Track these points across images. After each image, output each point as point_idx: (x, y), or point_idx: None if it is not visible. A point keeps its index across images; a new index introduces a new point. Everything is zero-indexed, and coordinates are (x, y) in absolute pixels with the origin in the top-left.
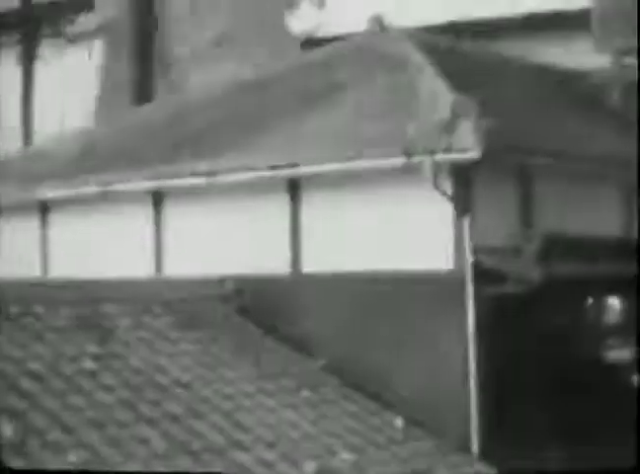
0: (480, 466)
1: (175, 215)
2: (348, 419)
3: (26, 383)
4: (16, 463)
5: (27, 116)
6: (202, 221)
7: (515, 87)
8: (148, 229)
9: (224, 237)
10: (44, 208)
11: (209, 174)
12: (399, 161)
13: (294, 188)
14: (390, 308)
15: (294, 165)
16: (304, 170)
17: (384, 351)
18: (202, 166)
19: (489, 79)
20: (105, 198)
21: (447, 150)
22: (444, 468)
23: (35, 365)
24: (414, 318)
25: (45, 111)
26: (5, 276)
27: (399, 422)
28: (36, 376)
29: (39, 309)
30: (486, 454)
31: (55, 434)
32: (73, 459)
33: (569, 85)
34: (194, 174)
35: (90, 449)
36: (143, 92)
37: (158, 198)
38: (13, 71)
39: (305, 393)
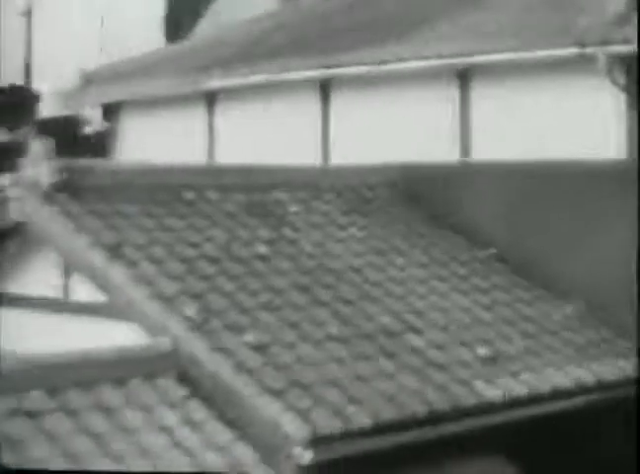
0: None
1: (342, 104)
2: (519, 305)
3: (204, 266)
4: (201, 343)
5: None
6: (370, 110)
7: None
8: (315, 118)
9: (392, 126)
10: (212, 97)
11: (378, 63)
12: (572, 51)
13: (464, 78)
14: (560, 197)
15: (465, 54)
16: (475, 59)
17: (553, 239)
18: (370, 55)
19: None
20: (272, 87)
21: (624, 41)
22: (615, 356)
23: (211, 249)
24: (584, 207)
25: None
26: (176, 163)
27: (570, 309)
28: (212, 259)
29: (212, 195)
30: None
31: (233, 316)
32: (250, 339)
33: None
34: (362, 62)
35: (266, 330)
36: None
37: (325, 87)
38: None
39: (476, 280)
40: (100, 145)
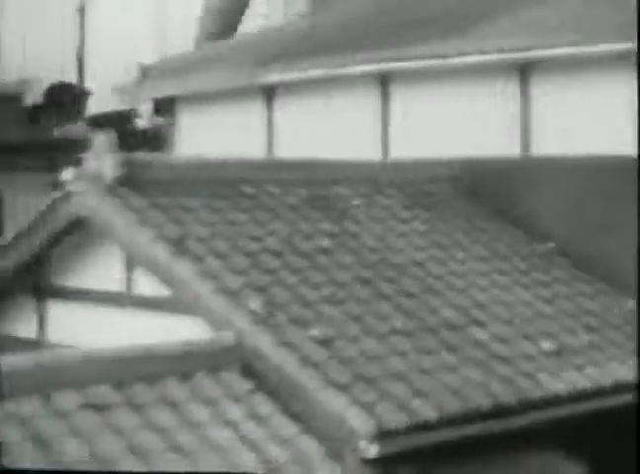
0: None
1: (402, 99)
2: (581, 299)
3: (267, 260)
4: (266, 337)
5: None
6: (430, 104)
7: None
8: (375, 113)
9: (452, 120)
10: (270, 92)
11: (439, 57)
12: (633, 46)
13: (524, 72)
14: (621, 191)
15: (526, 49)
16: (535, 54)
17: (614, 233)
18: (431, 49)
19: None
20: (331, 82)
21: None
22: None
23: (274, 243)
24: None
25: None
26: (237, 157)
27: (632, 303)
28: (275, 253)
29: (273, 189)
30: None
31: (297, 309)
32: (315, 333)
33: None
34: (422, 57)
35: (331, 324)
36: None
37: (385, 81)
38: None
39: (537, 273)
40: (154, 140)
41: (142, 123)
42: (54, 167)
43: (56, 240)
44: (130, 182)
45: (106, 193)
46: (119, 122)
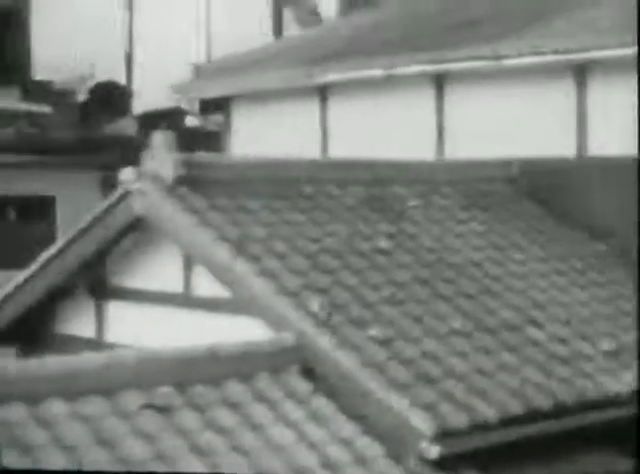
0: None
1: (457, 99)
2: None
3: (326, 260)
4: (326, 338)
5: None
6: (485, 105)
7: None
8: (430, 113)
9: (507, 120)
10: (325, 91)
11: (494, 58)
12: None
13: (579, 73)
14: None
15: (581, 50)
16: (591, 55)
17: None
18: (486, 50)
19: None
20: (386, 82)
21: None
22: None
23: (333, 243)
24: None
25: None
26: (294, 157)
27: None
28: (334, 254)
29: (331, 189)
30: None
31: (357, 310)
32: (375, 334)
33: None
34: (477, 57)
35: (390, 324)
36: None
37: (440, 81)
38: None
39: (593, 274)
40: (206, 139)
41: (194, 122)
42: (104, 165)
43: (115, 240)
44: (190, 182)
45: (166, 193)
46: (169, 121)
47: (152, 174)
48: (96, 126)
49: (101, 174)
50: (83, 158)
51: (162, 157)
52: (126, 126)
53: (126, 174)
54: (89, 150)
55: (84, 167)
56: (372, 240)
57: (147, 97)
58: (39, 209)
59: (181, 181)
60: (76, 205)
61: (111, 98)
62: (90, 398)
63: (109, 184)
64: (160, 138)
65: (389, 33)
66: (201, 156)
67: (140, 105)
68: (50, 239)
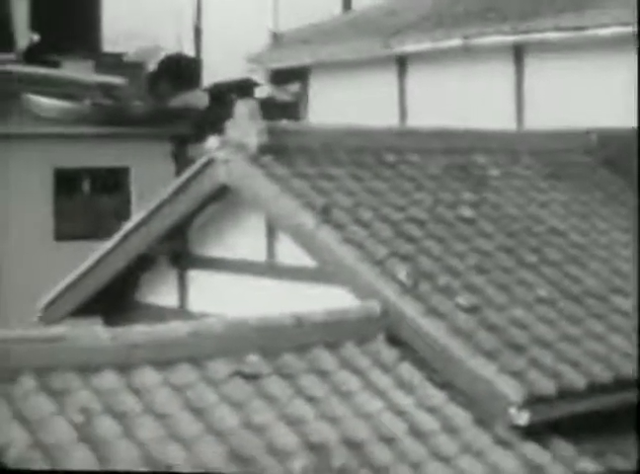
0: None
1: (536, 69)
2: None
3: (411, 229)
4: (413, 305)
5: None
6: (564, 75)
7: None
8: (509, 83)
9: (587, 91)
10: (403, 61)
11: (576, 28)
12: None
13: None
14: None
15: None
16: None
17: None
18: (568, 20)
19: None
20: (465, 52)
21: None
22: None
23: (417, 212)
24: None
25: None
26: (376, 125)
27: None
28: (419, 222)
29: (413, 158)
30: None
31: (444, 278)
32: (462, 301)
33: None
34: (558, 29)
35: (477, 292)
36: None
37: (519, 52)
38: None
39: None
40: (278, 110)
41: (263, 94)
42: (176, 137)
43: (198, 208)
44: (274, 150)
45: (250, 161)
46: (240, 93)
47: (236, 142)
48: (166, 98)
49: (173, 145)
50: (156, 129)
51: (245, 125)
52: (197, 98)
53: (211, 142)
54: (161, 122)
55: (157, 138)
56: (456, 209)
57: (216, 68)
58: (113, 181)
59: (264, 149)
60: (150, 177)
61: (180, 70)
62: (179, 366)
63: (181, 155)
64: (243, 107)
65: (471, 2)
66: (285, 125)
67: (209, 76)
68: (125, 211)
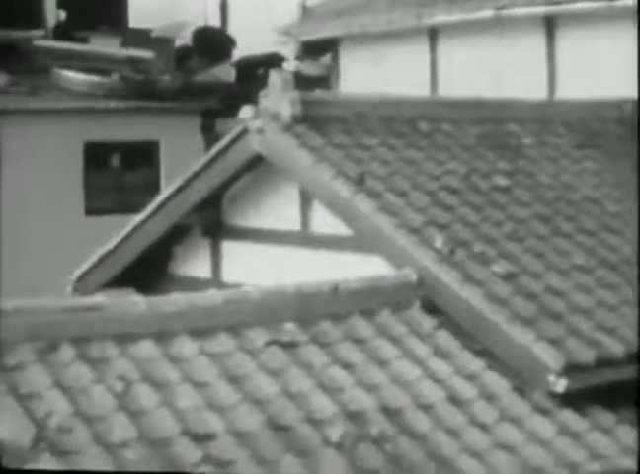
0: None
1: (568, 39)
2: None
3: (446, 197)
4: (449, 273)
5: None
6: (597, 45)
7: None
8: (541, 53)
9: (620, 61)
10: (435, 32)
11: None
12: None
13: None
14: None
15: None
16: None
17: None
18: None
19: None
20: (497, 23)
21: None
22: None
23: (451, 181)
24: None
25: None
26: (409, 95)
27: None
28: (454, 191)
29: (447, 127)
30: None
31: (480, 246)
32: (499, 269)
33: None
34: None
35: (513, 260)
36: None
37: (551, 23)
38: None
39: None
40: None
41: (292, 68)
42: (204, 111)
43: (232, 178)
44: (308, 120)
45: (284, 131)
46: (267, 67)
47: (270, 112)
48: (195, 72)
49: (202, 120)
50: (185, 104)
51: (279, 95)
52: (225, 73)
53: (244, 112)
54: (190, 96)
55: (186, 113)
56: (490, 178)
57: (242, 43)
58: (143, 155)
59: (298, 119)
60: (179, 151)
61: (212, 43)
62: (217, 335)
63: (210, 130)
64: (276, 77)
65: None
66: (318, 94)
67: (235, 51)
68: (154, 185)
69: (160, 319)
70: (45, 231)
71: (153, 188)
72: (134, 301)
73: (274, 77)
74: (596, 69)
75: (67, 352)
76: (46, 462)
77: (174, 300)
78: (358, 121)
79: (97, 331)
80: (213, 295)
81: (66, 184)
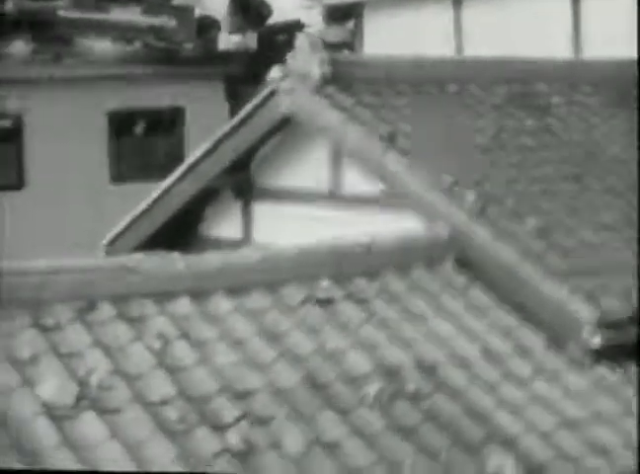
0: None
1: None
2: None
3: (477, 156)
4: (482, 229)
5: None
6: (624, 5)
7: None
8: (566, 12)
9: None
10: None
11: None
12: None
13: None
14: None
15: None
16: None
17: None
18: None
19: None
20: None
21: None
22: None
23: (481, 139)
24: None
25: None
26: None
27: None
28: (484, 149)
29: (474, 87)
30: None
31: (512, 202)
32: (532, 225)
33: None
34: None
35: (546, 216)
36: None
37: None
38: None
39: None
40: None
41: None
42: (228, 78)
43: (262, 139)
44: (337, 80)
45: (313, 91)
46: (288, 34)
47: (299, 73)
48: (216, 39)
49: (226, 86)
50: (209, 69)
51: (307, 57)
52: (248, 39)
53: (274, 73)
54: (213, 62)
55: (210, 79)
56: (520, 136)
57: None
58: (167, 122)
59: (327, 79)
60: (204, 118)
61: (251, 7)
62: (253, 292)
63: (234, 96)
64: (304, 39)
65: None
66: (346, 55)
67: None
68: (179, 152)
69: (197, 277)
70: (72, 200)
71: (178, 155)
72: (171, 260)
73: (301, 39)
74: (623, 29)
75: (106, 310)
76: (90, 420)
77: (210, 259)
78: (386, 82)
79: (135, 289)
80: (248, 254)
81: (90, 152)
